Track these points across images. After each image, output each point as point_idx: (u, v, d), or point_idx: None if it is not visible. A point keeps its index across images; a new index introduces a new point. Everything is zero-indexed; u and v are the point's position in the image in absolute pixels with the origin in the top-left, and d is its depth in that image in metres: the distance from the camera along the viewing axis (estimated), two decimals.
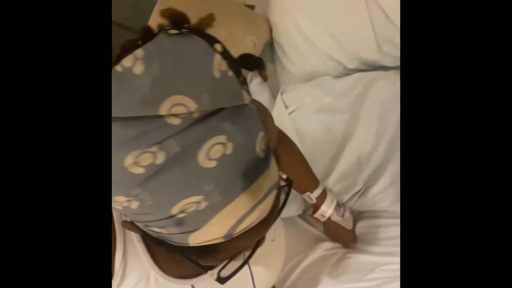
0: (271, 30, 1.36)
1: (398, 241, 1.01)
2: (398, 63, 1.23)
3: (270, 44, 1.39)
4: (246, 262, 0.46)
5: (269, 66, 1.43)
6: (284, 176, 0.47)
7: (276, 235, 0.65)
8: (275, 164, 0.41)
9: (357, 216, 1.11)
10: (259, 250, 0.62)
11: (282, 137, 0.86)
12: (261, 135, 0.38)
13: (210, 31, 1.51)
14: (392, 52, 1.20)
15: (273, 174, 0.40)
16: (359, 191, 1.08)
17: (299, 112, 1.18)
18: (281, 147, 0.80)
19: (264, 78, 0.48)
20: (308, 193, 0.80)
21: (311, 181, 0.91)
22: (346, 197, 1.08)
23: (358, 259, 0.99)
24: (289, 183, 0.47)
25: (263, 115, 0.69)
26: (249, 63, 0.44)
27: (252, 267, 0.63)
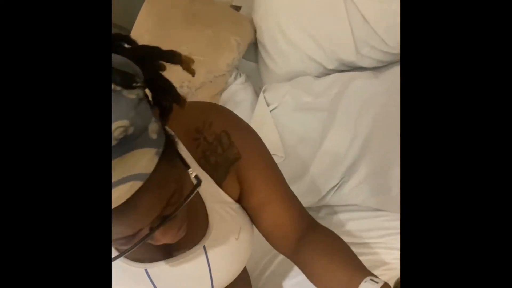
0: (255, 31, 1.40)
1: (372, 233, 1.07)
2: (375, 64, 1.28)
3: (254, 45, 1.44)
4: (141, 241, 0.47)
5: (253, 66, 1.48)
6: (193, 175, 0.48)
7: (241, 234, 0.66)
8: (142, 158, 0.41)
9: (334, 210, 1.16)
10: (220, 247, 0.63)
11: (316, 226, 0.70)
12: (120, 123, 0.39)
13: (195, 30, 1.53)
14: (369, 54, 1.26)
15: (131, 167, 0.40)
16: (335, 185, 1.12)
17: (279, 109, 1.23)
18: (314, 234, 0.68)
19: (191, 73, 0.47)
20: (369, 277, 0.58)
21: (363, 267, 0.65)
22: (323, 192, 1.13)
23: None
24: (197, 183, 0.49)
25: (240, 134, 0.63)
26: (158, 55, 0.46)
27: (211, 263, 0.64)
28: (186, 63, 0.47)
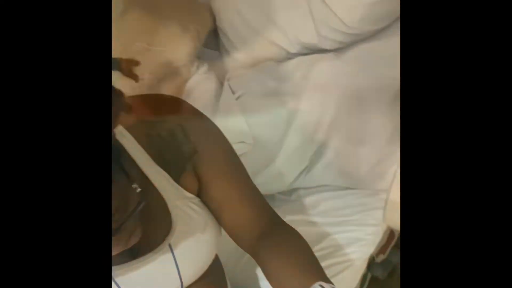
0: (214, 18, 1.38)
1: (344, 211, 1.09)
2: (336, 45, 1.29)
3: (215, 32, 1.42)
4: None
5: (215, 54, 1.46)
6: (138, 190, 0.49)
7: (207, 227, 0.65)
8: None
9: (306, 192, 1.18)
10: (186, 243, 0.62)
11: (278, 225, 0.67)
12: None
13: (153, 21, 1.50)
14: (330, 35, 1.27)
15: None
16: (305, 168, 1.14)
17: (245, 97, 1.22)
18: (274, 233, 0.64)
19: (134, 79, 0.46)
20: (319, 283, 0.56)
21: (319, 271, 0.62)
22: (294, 175, 1.15)
23: (307, 231, 1.05)
24: (140, 201, 0.50)
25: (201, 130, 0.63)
26: None
27: (178, 260, 0.63)
28: (126, 70, 0.46)
